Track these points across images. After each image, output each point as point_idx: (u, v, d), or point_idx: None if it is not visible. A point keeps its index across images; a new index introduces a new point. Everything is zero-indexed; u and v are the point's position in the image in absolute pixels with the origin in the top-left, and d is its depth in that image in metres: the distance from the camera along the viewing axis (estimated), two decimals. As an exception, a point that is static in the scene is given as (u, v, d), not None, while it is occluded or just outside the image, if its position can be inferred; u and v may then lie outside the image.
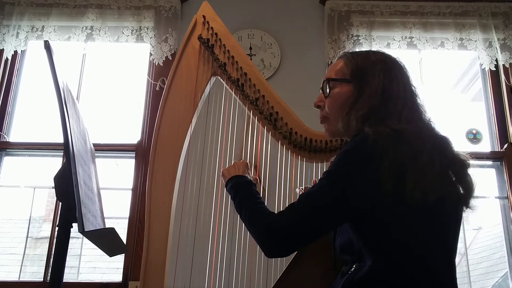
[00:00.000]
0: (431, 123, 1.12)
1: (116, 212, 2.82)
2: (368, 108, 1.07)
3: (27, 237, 2.80)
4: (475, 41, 2.86)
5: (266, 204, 1.17)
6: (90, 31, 2.84)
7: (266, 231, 1.05)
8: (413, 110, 1.10)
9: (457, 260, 1.07)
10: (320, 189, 1.02)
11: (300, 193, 1.55)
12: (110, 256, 1.37)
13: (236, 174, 1.33)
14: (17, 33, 2.82)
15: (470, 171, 1.07)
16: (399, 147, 0.97)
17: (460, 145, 1.11)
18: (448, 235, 1.03)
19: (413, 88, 1.15)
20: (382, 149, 0.96)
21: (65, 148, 0.99)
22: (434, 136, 1.08)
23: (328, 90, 1.18)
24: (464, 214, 1.08)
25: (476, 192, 1.06)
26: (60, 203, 1.03)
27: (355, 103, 1.10)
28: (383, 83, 1.09)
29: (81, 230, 0.95)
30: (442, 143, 1.07)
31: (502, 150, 2.73)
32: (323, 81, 1.21)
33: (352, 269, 1.02)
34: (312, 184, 1.54)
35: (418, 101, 1.14)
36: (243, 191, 1.25)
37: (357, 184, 0.98)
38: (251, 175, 1.39)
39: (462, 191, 1.05)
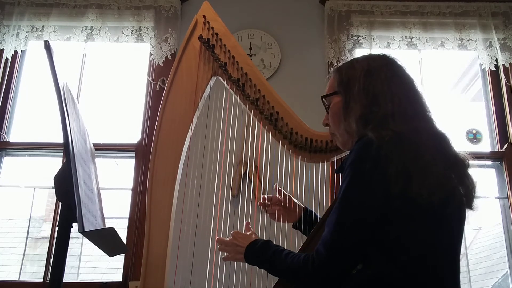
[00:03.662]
0: (431, 119, 1.12)
1: (116, 212, 2.82)
2: (360, 109, 1.11)
3: (27, 237, 2.80)
4: (475, 41, 2.86)
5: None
6: (90, 31, 2.84)
7: (313, 273, 1.05)
8: (409, 106, 1.10)
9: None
10: (344, 207, 1.03)
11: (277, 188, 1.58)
12: (110, 256, 1.37)
13: (247, 243, 1.27)
14: (17, 33, 2.82)
15: (471, 171, 1.08)
16: (402, 150, 0.99)
17: (460, 145, 1.11)
18: (452, 238, 1.04)
19: (407, 83, 1.16)
20: (386, 154, 0.98)
21: (65, 148, 0.99)
22: (434, 135, 1.08)
23: (326, 106, 1.27)
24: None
25: (477, 192, 1.07)
26: (60, 203, 1.03)
27: (347, 108, 1.15)
28: (364, 84, 1.13)
29: (81, 230, 0.95)
30: (443, 143, 1.08)
31: (502, 150, 2.73)
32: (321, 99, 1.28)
33: (355, 269, 1.02)
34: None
35: (415, 96, 1.14)
36: (266, 254, 1.21)
37: (370, 192, 0.99)
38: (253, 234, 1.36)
39: (463, 192, 1.05)
